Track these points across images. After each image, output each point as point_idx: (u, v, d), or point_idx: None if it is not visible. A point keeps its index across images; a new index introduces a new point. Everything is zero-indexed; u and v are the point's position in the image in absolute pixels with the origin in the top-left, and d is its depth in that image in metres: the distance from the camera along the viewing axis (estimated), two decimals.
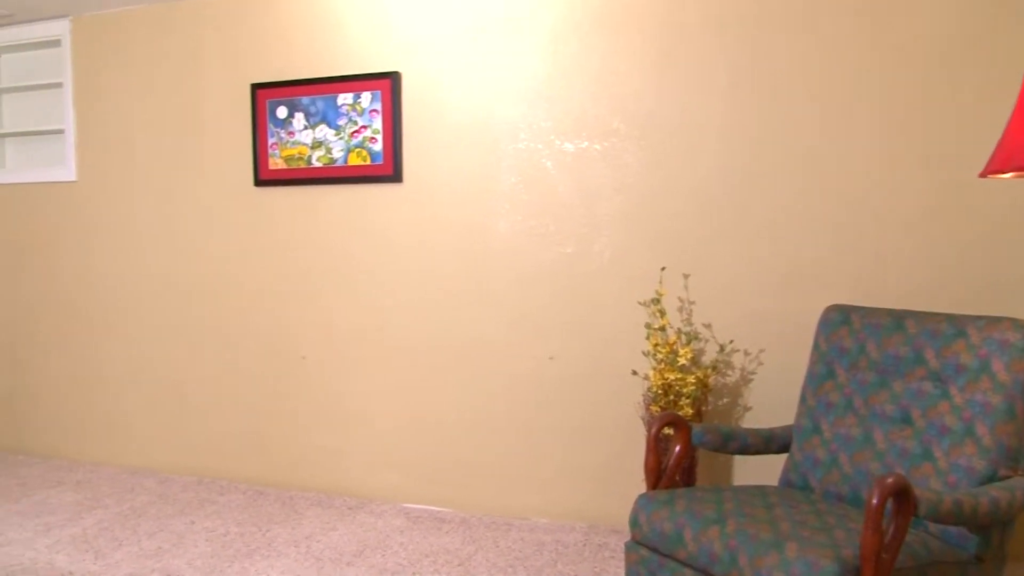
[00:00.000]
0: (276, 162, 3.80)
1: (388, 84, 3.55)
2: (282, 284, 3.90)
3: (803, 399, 2.64)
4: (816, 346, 2.65)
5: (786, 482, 2.59)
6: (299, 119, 3.73)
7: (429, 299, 3.62)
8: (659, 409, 3.02)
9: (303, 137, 3.73)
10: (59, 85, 4.40)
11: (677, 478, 2.53)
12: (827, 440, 2.50)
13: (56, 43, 4.40)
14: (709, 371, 3.05)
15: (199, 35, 3.98)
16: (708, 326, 3.22)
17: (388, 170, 3.58)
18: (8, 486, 4.04)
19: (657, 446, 2.47)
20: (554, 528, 3.37)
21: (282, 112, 3.76)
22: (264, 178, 3.85)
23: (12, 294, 4.62)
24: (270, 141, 3.80)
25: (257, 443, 4.01)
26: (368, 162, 3.61)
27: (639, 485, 3.30)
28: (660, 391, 3.00)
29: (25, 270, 4.57)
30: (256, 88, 3.81)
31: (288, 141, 3.77)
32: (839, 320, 2.62)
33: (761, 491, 2.42)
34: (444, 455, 3.64)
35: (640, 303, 3.27)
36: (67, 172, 4.37)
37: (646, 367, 3.23)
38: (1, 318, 4.67)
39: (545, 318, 3.44)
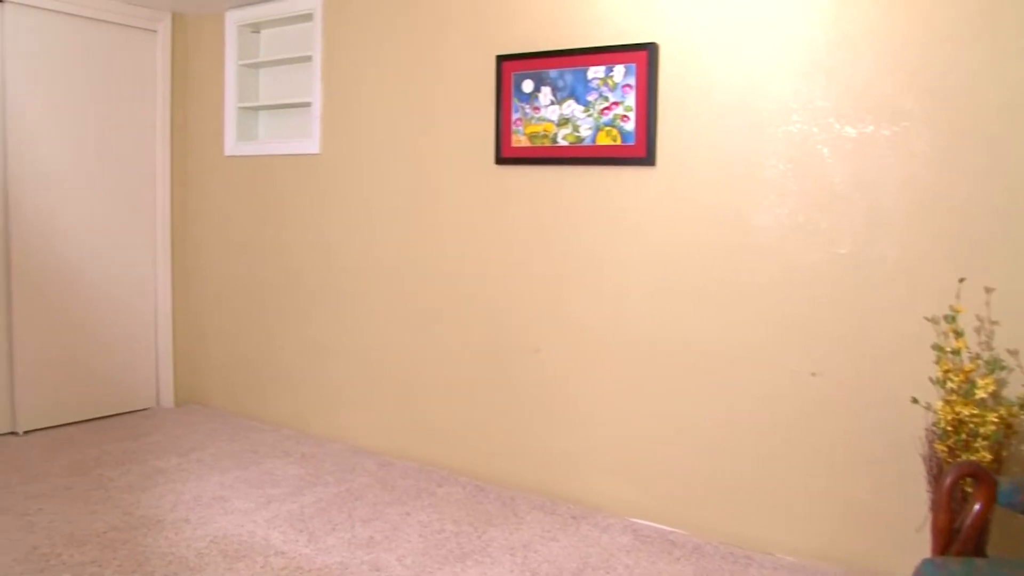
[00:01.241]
0: (519, 139, 3.67)
1: (644, 57, 3.31)
2: (519, 270, 3.76)
3: None
4: None
5: None
6: (546, 94, 3.57)
7: (677, 296, 3.35)
8: (946, 448, 2.59)
9: (549, 113, 3.57)
10: (309, 59, 4.52)
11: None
12: None
13: (309, 17, 4.52)
14: (1016, 409, 2.58)
15: (445, 5, 3.91)
16: (1014, 353, 2.73)
17: (640, 152, 3.34)
18: (241, 452, 4.21)
19: (950, 501, 2.09)
20: (800, 568, 3.02)
21: (528, 86, 3.62)
22: (506, 156, 3.73)
23: (253, 263, 4.83)
24: (514, 117, 3.67)
25: (481, 435, 3.92)
26: (618, 142, 3.39)
27: (907, 531, 2.87)
28: (949, 428, 2.57)
29: (266, 240, 4.75)
30: (501, 60, 3.69)
31: (533, 117, 3.62)
32: None
33: None
34: (681, 470, 3.37)
35: (928, 319, 2.84)
36: (312, 144, 4.48)
37: (932, 396, 2.79)
38: (241, 285, 4.90)
39: (809, 327, 3.08)
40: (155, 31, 4.92)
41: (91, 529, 3.17)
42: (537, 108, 3.61)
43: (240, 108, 4.85)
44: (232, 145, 4.89)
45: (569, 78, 3.50)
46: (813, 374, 3.07)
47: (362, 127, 4.29)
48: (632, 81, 3.34)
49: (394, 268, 4.20)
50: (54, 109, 4.53)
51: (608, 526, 3.36)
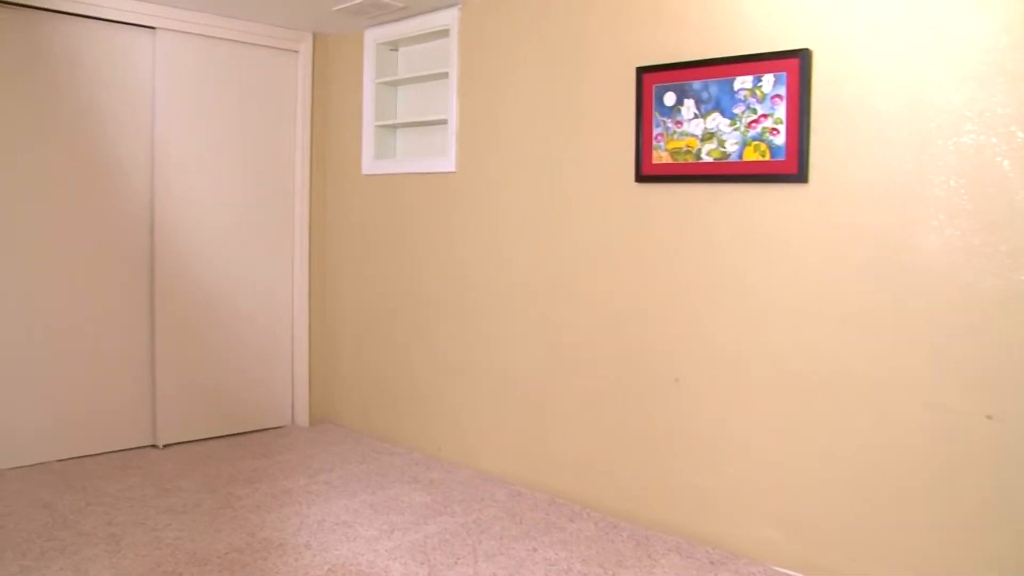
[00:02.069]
0: (660, 155, 3.50)
1: (796, 64, 3.09)
2: (659, 294, 3.59)
3: None
4: None
5: None
6: (689, 107, 3.40)
7: (831, 324, 3.10)
8: None
9: (692, 127, 3.39)
10: (445, 75, 4.51)
11: None
12: None
13: (445, 33, 4.51)
14: None
15: (585, 16, 3.80)
16: None
17: (791, 168, 3.12)
18: (370, 474, 4.19)
19: None
20: None
21: (670, 99, 3.45)
22: (647, 173, 3.57)
23: (388, 281, 4.84)
24: (655, 132, 3.51)
25: (616, 468, 3.75)
26: (767, 158, 3.18)
27: None
28: None
29: (401, 259, 4.76)
30: (642, 72, 3.55)
31: (675, 132, 3.45)
32: None
33: None
34: (832, 514, 3.10)
35: None
36: (448, 162, 4.45)
37: None
38: (376, 304, 4.93)
39: (984, 363, 2.77)
40: (296, 51, 5.04)
41: (213, 549, 3.19)
42: (680, 122, 3.44)
43: (377, 126, 4.89)
44: (369, 163, 4.93)
45: (714, 90, 3.32)
46: (988, 417, 2.76)
47: (498, 144, 4.22)
48: (782, 91, 3.13)
49: (528, 290, 4.10)
50: (200, 129, 4.70)
51: (750, 574, 3.13)
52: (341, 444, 4.77)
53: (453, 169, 4.44)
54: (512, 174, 4.16)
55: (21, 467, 4.18)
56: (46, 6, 4.09)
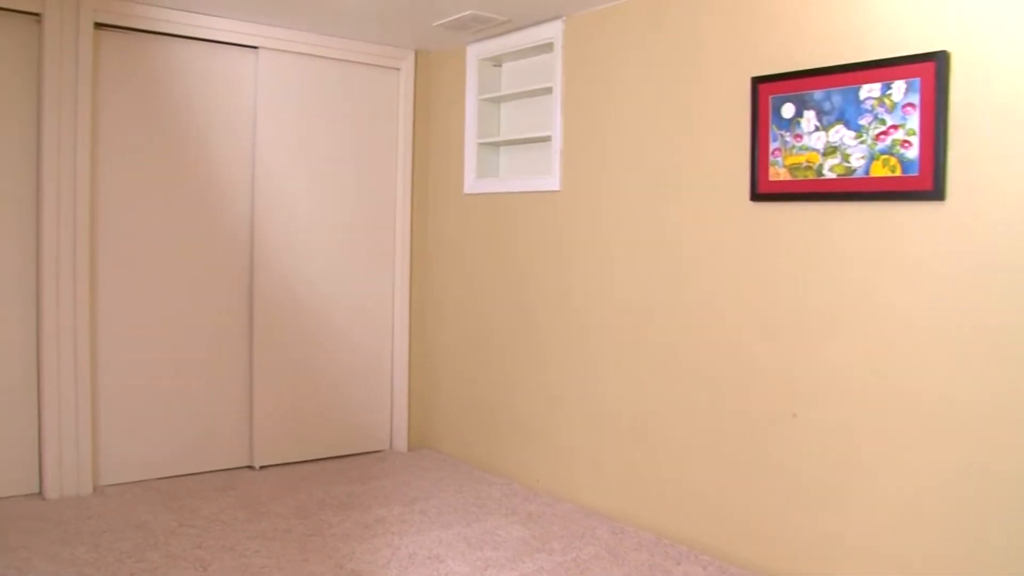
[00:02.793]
0: (778, 172, 3.26)
1: (931, 69, 2.81)
2: (776, 323, 3.33)
3: None
4: None
5: None
6: (809, 119, 3.15)
7: (971, 357, 2.78)
8: None
9: (813, 141, 3.14)
10: (549, 91, 4.36)
11: None
12: None
13: (549, 47, 4.37)
14: None
15: (695, 25, 3.60)
16: None
17: (926, 184, 2.83)
18: (466, 505, 4.05)
19: None
20: None
21: (788, 110, 3.21)
22: (763, 191, 3.33)
23: (489, 304, 4.71)
24: (772, 146, 3.27)
25: (729, 508, 3.49)
26: (898, 173, 2.90)
27: None
28: None
29: (502, 282, 4.62)
30: (757, 82, 3.32)
31: (794, 146, 3.20)
32: None
33: None
34: (975, 568, 2.77)
35: None
36: (552, 181, 4.29)
37: None
38: (476, 327, 4.79)
39: None
40: (398, 69, 4.99)
41: None
42: (799, 136, 3.19)
43: (480, 144, 4.78)
44: (471, 182, 4.82)
45: (837, 99, 3.06)
46: None
47: (604, 161, 4.04)
48: (915, 99, 2.85)
49: (636, 314, 3.89)
50: (301, 148, 4.69)
51: None
52: (439, 471, 4.65)
53: (557, 188, 4.28)
54: (619, 192, 3.97)
55: (122, 484, 4.21)
56: (152, 28, 4.14)
